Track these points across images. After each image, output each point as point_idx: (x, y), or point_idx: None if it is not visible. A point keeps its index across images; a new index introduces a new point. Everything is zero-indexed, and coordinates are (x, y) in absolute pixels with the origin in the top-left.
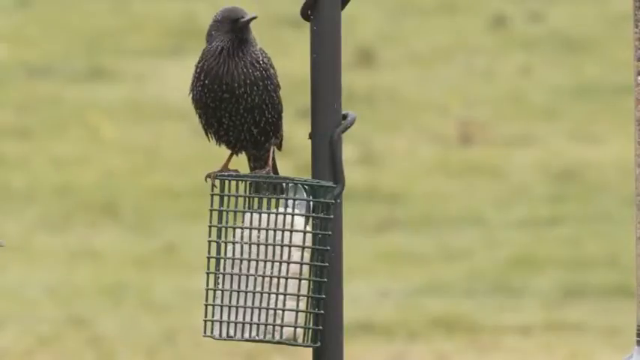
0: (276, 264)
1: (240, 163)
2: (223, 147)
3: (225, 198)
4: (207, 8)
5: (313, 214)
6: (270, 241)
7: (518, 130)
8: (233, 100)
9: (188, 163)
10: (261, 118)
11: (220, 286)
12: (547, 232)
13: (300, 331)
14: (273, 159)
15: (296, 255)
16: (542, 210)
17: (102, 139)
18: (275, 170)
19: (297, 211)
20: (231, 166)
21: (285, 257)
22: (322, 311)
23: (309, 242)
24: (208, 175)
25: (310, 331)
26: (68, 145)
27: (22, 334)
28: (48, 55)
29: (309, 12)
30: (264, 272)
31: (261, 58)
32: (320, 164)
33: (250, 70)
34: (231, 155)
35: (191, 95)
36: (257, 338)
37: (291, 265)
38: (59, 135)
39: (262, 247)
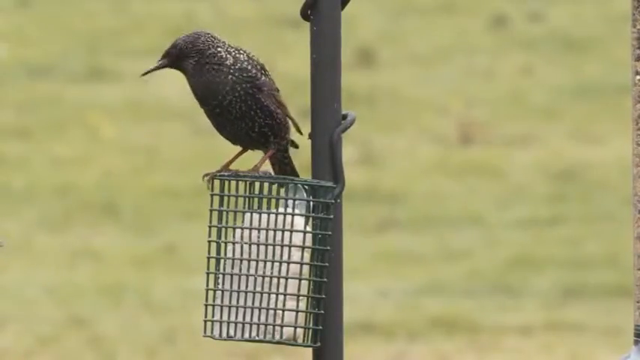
0: (276, 264)
1: (240, 163)
2: (229, 146)
3: (225, 198)
4: (207, 8)
5: (313, 214)
6: (270, 241)
7: (518, 130)
8: (225, 112)
9: (188, 163)
10: (254, 123)
11: (220, 286)
12: (547, 232)
13: (300, 331)
14: (288, 158)
15: (296, 255)
16: (542, 210)
17: (102, 139)
18: (293, 170)
19: (297, 211)
20: (232, 166)
21: (285, 257)
22: (322, 311)
23: (309, 242)
24: (206, 175)
25: (310, 331)
26: (68, 145)
27: (22, 334)
28: (48, 55)
29: (309, 12)
30: (264, 272)
31: (230, 61)
32: (320, 164)
33: (222, 77)
34: (236, 155)
35: None
36: (257, 338)
37: (291, 265)
38: (59, 135)
39: (262, 247)
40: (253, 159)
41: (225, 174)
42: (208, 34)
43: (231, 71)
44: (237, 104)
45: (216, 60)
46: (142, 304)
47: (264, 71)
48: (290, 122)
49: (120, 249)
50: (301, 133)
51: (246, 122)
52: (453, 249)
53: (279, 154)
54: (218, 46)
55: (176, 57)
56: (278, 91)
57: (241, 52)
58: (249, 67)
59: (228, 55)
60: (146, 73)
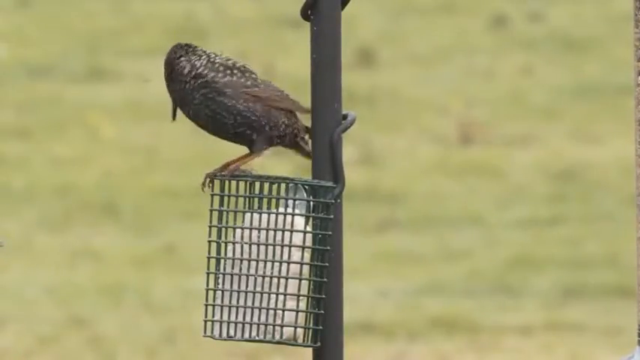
0: (276, 264)
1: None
2: (231, 146)
3: (225, 198)
4: (207, 8)
5: (313, 214)
6: (271, 241)
7: (518, 130)
8: (197, 121)
9: (188, 163)
10: (226, 126)
11: (220, 286)
12: (547, 232)
13: (300, 331)
14: (301, 145)
15: (296, 255)
16: (542, 210)
17: (102, 139)
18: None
19: (297, 211)
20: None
21: (285, 257)
22: (322, 311)
23: (309, 242)
24: (208, 175)
25: (310, 331)
26: (68, 145)
27: (22, 334)
28: (48, 55)
29: (309, 12)
30: (264, 272)
31: (187, 70)
32: (320, 164)
33: (180, 87)
34: (240, 157)
35: None
36: (257, 338)
37: (291, 265)
38: (59, 135)
39: (262, 247)
40: (263, 161)
41: (223, 174)
42: (176, 46)
43: (187, 80)
44: (202, 111)
45: (177, 70)
46: (142, 304)
47: (233, 70)
48: (284, 112)
49: (120, 249)
50: (308, 111)
51: (219, 127)
52: (453, 249)
53: (292, 139)
54: (180, 56)
55: (169, 82)
56: (257, 86)
57: (203, 57)
58: (206, 72)
59: (187, 64)
60: (174, 117)
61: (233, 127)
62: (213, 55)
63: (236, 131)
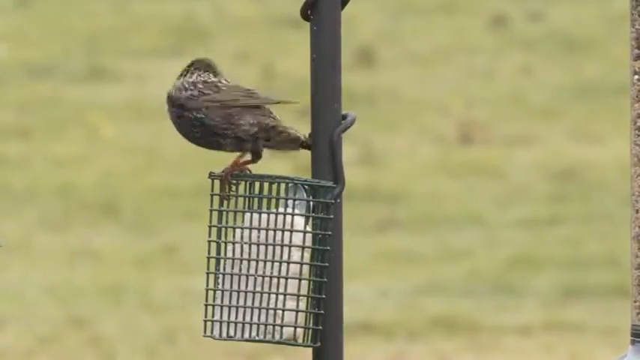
0: (276, 264)
1: (254, 167)
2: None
3: (225, 198)
4: (207, 8)
5: (313, 214)
6: (270, 241)
7: (518, 130)
8: (186, 138)
9: (188, 163)
10: (197, 139)
11: (220, 286)
12: (547, 232)
13: (300, 331)
14: (283, 132)
15: (296, 255)
16: (542, 210)
17: (102, 139)
18: (296, 138)
19: (297, 211)
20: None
21: (285, 257)
22: (322, 311)
23: (309, 242)
24: (209, 174)
25: (310, 331)
26: (68, 145)
27: (22, 334)
28: (48, 55)
29: (309, 12)
30: (264, 272)
31: (167, 97)
32: (320, 164)
33: (168, 114)
34: (243, 159)
35: None
36: (257, 338)
37: (291, 265)
38: (59, 135)
39: (262, 247)
40: (263, 161)
41: (220, 174)
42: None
43: (168, 107)
44: (180, 130)
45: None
46: (142, 304)
47: (197, 85)
48: (250, 112)
49: (120, 249)
50: (277, 102)
51: (194, 140)
52: (453, 249)
53: (275, 135)
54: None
55: None
56: (218, 93)
57: (179, 80)
58: (173, 92)
59: (168, 93)
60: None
61: (202, 137)
62: (191, 77)
63: (209, 141)
